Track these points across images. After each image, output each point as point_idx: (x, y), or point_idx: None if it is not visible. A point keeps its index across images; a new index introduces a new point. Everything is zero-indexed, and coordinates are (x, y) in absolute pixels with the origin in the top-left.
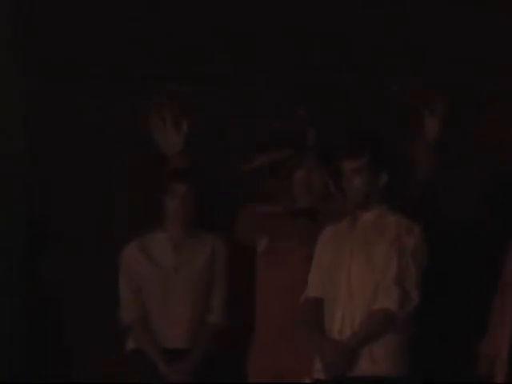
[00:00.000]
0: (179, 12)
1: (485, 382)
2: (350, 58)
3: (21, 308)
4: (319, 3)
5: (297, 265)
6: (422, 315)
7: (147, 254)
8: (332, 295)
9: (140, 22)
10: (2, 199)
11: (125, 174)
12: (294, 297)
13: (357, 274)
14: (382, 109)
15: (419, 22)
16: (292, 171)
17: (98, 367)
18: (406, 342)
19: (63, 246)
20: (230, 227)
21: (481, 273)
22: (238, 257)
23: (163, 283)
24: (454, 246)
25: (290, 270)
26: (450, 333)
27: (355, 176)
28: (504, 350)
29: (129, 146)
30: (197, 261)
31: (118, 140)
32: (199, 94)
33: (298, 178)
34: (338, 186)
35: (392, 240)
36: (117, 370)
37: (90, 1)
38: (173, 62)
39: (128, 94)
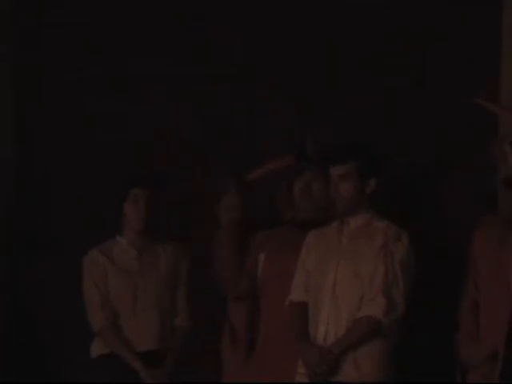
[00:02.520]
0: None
1: None
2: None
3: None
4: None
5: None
6: (407, 323)
7: (110, 259)
8: (317, 301)
9: (140, 20)
10: None
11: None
12: None
13: (342, 281)
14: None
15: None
16: (293, 181)
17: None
18: (390, 350)
19: (49, 252)
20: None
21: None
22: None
23: (130, 288)
24: (441, 253)
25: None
26: (435, 340)
27: (342, 182)
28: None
29: (118, 152)
30: (159, 264)
31: (107, 146)
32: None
33: (298, 188)
34: None
35: (379, 247)
36: None
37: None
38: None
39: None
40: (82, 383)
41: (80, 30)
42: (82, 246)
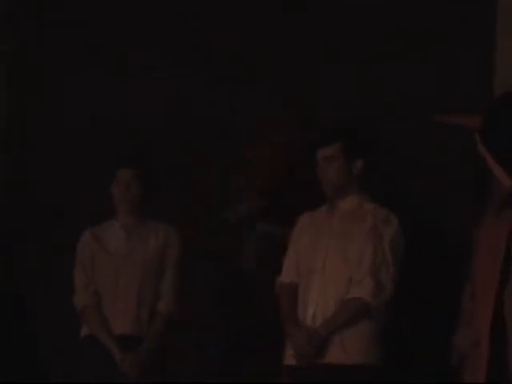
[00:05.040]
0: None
1: (455, 373)
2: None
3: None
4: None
5: None
6: (396, 305)
7: (100, 241)
8: (306, 282)
9: (140, 20)
10: None
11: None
12: None
13: (332, 264)
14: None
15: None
16: None
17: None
18: (378, 332)
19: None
20: None
21: (457, 262)
22: None
23: (114, 269)
24: (428, 235)
25: None
26: (423, 323)
27: (328, 164)
28: (484, 341)
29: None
30: (148, 247)
31: (106, 145)
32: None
33: None
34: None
35: (368, 229)
36: None
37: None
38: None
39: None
40: (81, 383)
41: (80, 30)
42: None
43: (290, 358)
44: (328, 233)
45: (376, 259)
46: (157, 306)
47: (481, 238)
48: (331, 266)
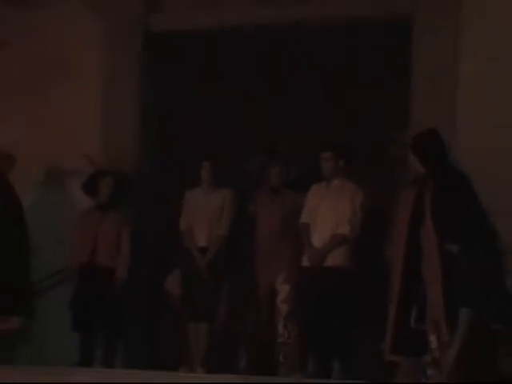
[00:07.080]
0: None
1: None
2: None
3: None
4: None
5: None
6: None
7: (194, 195)
8: (315, 223)
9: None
10: None
11: None
12: None
13: (327, 214)
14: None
15: None
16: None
17: None
18: (352, 252)
19: None
20: None
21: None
22: None
23: (198, 210)
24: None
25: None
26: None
27: (325, 162)
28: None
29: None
30: (215, 200)
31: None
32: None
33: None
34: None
35: (348, 198)
36: None
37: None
38: None
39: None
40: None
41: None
42: None
43: (305, 262)
44: (325, 198)
45: (351, 215)
46: (218, 231)
47: (399, 201)
48: (327, 215)
